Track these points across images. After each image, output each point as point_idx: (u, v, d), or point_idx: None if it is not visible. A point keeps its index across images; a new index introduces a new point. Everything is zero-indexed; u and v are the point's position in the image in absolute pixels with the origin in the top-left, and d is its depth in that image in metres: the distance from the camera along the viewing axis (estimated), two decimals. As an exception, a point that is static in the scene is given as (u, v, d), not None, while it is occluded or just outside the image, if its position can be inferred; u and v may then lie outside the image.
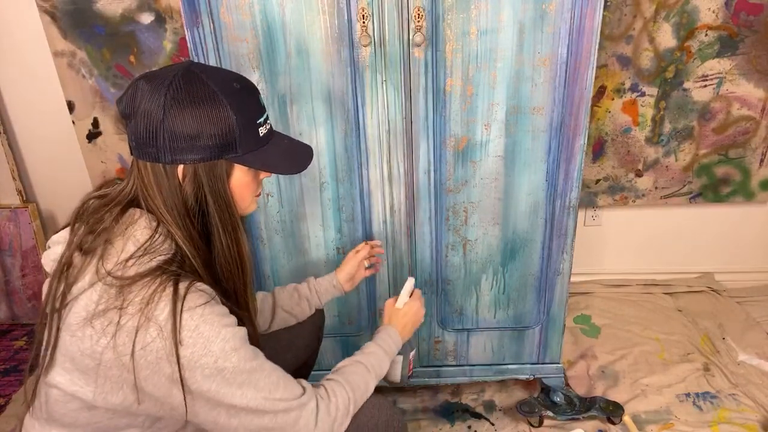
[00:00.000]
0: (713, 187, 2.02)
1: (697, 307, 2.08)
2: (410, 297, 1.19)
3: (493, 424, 1.61)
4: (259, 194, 0.91)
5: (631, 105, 1.90)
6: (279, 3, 1.16)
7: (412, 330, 1.16)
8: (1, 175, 2.05)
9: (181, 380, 0.74)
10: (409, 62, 1.22)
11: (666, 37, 1.80)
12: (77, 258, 0.78)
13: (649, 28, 1.79)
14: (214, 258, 0.84)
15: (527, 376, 1.61)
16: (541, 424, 1.58)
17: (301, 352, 1.23)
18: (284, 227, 1.40)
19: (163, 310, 0.73)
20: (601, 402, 1.58)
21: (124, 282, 0.74)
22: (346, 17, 1.17)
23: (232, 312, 0.81)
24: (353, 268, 1.27)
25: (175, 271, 0.77)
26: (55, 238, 0.86)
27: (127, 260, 0.76)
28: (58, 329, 0.76)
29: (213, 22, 1.18)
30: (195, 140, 0.76)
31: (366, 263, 1.32)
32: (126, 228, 0.79)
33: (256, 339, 0.85)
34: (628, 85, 1.87)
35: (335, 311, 1.51)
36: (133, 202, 0.81)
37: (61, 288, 0.77)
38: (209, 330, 0.75)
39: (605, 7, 1.46)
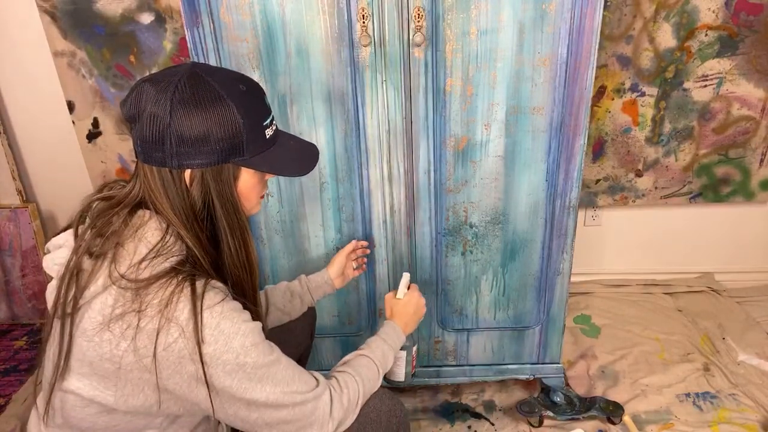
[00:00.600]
0: (713, 187, 2.02)
1: (697, 307, 2.08)
2: (409, 290, 1.20)
3: (493, 424, 1.61)
4: (264, 195, 0.91)
5: (631, 105, 1.90)
6: (279, 3, 1.16)
7: (415, 322, 1.17)
8: (1, 175, 2.05)
9: (205, 377, 0.75)
10: (409, 62, 1.22)
11: (666, 37, 1.80)
12: (87, 262, 0.78)
13: (649, 28, 1.79)
14: (223, 261, 0.84)
15: (527, 376, 1.61)
16: (541, 424, 1.58)
17: (294, 349, 1.24)
18: (284, 227, 1.40)
19: (183, 310, 0.74)
20: (601, 402, 1.58)
21: (140, 284, 0.74)
22: (346, 17, 1.17)
23: (245, 307, 0.82)
24: (341, 263, 1.29)
25: (189, 270, 0.78)
26: (55, 241, 0.85)
27: (140, 262, 0.76)
28: (71, 335, 0.76)
29: (213, 22, 1.18)
30: (202, 144, 0.76)
31: (354, 263, 1.34)
32: (136, 230, 0.78)
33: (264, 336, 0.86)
34: (628, 85, 1.87)
35: (335, 311, 1.51)
36: (141, 204, 0.81)
37: (72, 293, 0.76)
38: (230, 326, 0.76)
39: (605, 7, 1.46)
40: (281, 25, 1.18)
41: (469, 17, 1.18)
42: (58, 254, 0.83)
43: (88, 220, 0.82)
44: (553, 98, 1.25)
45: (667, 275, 2.22)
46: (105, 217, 0.80)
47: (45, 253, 0.86)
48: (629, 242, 2.18)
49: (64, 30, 1.80)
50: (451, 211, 1.38)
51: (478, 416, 1.64)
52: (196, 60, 1.21)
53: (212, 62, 1.22)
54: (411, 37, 1.19)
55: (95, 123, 1.94)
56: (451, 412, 1.65)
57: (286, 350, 0.87)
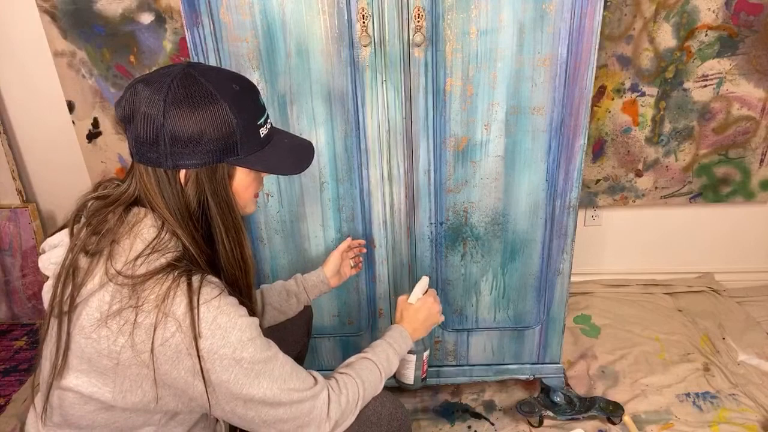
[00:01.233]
0: (713, 187, 2.02)
1: (697, 307, 2.08)
2: (424, 295, 1.17)
3: (493, 424, 1.61)
4: (257, 195, 0.91)
5: (631, 105, 1.90)
6: (279, 3, 1.16)
7: (426, 329, 1.14)
8: (1, 175, 2.05)
9: (202, 372, 0.75)
10: (409, 62, 1.22)
11: (666, 37, 1.80)
12: (83, 260, 0.78)
13: (649, 28, 1.79)
14: (218, 259, 0.84)
15: (527, 376, 1.61)
16: (541, 424, 1.58)
17: (291, 347, 1.24)
18: (284, 227, 1.40)
19: (179, 304, 0.74)
20: (601, 402, 1.58)
21: (136, 280, 0.74)
22: (346, 17, 1.17)
23: (241, 303, 0.82)
24: (335, 262, 1.28)
25: (186, 266, 0.78)
26: (50, 241, 0.85)
27: (135, 259, 0.76)
28: (68, 333, 0.76)
29: (213, 22, 1.18)
30: (196, 144, 0.76)
31: (351, 262, 1.33)
32: (132, 227, 0.78)
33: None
34: (628, 85, 1.87)
35: (335, 311, 1.51)
36: (137, 202, 0.81)
37: (68, 291, 0.76)
38: (226, 321, 0.76)
39: (605, 7, 1.46)
40: (281, 25, 1.18)
41: (469, 17, 1.18)
42: (53, 253, 0.83)
43: (83, 219, 0.83)
44: (553, 98, 1.25)
45: (667, 275, 2.22)
46: (100, 216, 0.80)
47: (40, 253, 0.85)
48: (629, 242, 2.18)
49: (64, 30, 1.80)
50: (451, 211, 1.38)
51: (478, 416, 1.64)
52: (196, 60, 1.21)
53: (212, 62, 1.22)
54: (411, 37, 1.19)
55: (95, 123, 1.94)
56: (451, 412, 1.65)
57: (283, 349, 0.87)
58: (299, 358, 1.31)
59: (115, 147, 1.97)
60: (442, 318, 1.18)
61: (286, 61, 1.22)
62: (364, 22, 1.17)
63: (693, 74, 1.84)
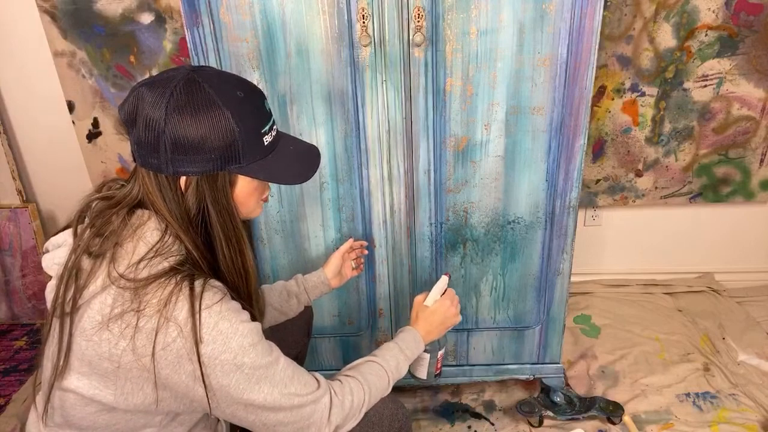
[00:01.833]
0: (713, 187, 2.02)
1: (697, 307, 2.08)
2: (442, 296, 1.14)
3: (493, 424, 1.61)
4: (266, 198, 0.90)
5: (631, 105, 1.90)
6: (279, 3, 1.16)
7: (440, 332, 1.12)
8: (1, 175, 2.05)
9: (203, 377, 0.75)
10: (409, 62, 1.22)
11: (666, 37, 1.80)
12: (86, 261, 0.77)
13: (649, 28, 1.79)
14: (219, 266, 0.83)
15: (527, 376, 1.61)
16: (541, 424, 1.58)
17: (291, 348, 1.23)
18: (284, 227, 1.40)
19: (181, 309, 0.74)
20: (601, 402, 1.58)
21: (138, 284, 0.74)
22: (346, 17, 1.17)
23: (243, 308, 0.82)
24: (336, 263, 1.27)
25: (188, 270, 0.78)
26: (54, 240, 0.85)
27: (138, 262, 0.76)
28: (70, 334, 0.76)
29: (213, 22, 1.18)
30: (197, 151, 0.75)
31: (353, 263, 1.32)
32: (135, 230, 0.78)
33: None
34: (628, 85, 1.87)
35: (335, 311, 1.51)
36: (140, 204, 0.81)
37: (71, 292, 0.76)
38: (228, 326, 0.76)
39: (605, 7, 1.46)
40: (281, 25, 1.18)
41: (469, 17, 1.18)
42: (57, 253, 0.83)
43: (87, 220, 0.82)
44: (553, 98, 1.25)
45: (667, 275, 2.22)
46: (104, 217, 0.80)
47: (44, 253, 0.85)
48: (629, 242, 2.18)
49: (64, 30, 1.80)
50: (451, 211, 1.38)
51: (478, 416, 1.64)
52: (196, 60, 1.21)
53: (212, 62, 1.22)
54: (411, 37, 1.19)
55: (95, 123, 1.94)
56: (451, 412, 1.65)
57: (283, 349, 0.86)
58: (299, 359, 1.31)
59: (115, 147, 1.97)
60: (459, 319, 1.15)
61: (286, 61, 1.22)
62: (364, 22, 1.17)
63: (693, 74, 1.84)
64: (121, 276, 0.75)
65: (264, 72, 1.23)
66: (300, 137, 1.29)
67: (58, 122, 1.96)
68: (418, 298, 1.15)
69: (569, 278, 1.46)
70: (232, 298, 0.81)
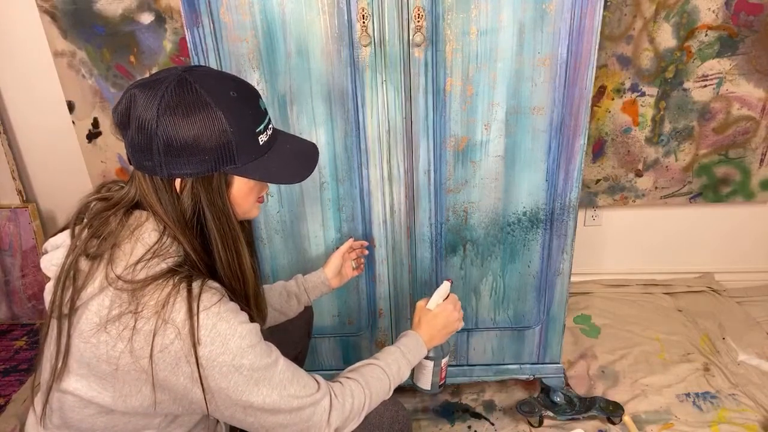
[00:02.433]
0: (713, 187, 2.02)
1: (697, 307, 2.08)
2: (444, 301, 1.13)
3: (493, 424, 1.61)
4: (262, 200, 0.89)
5: (631, 105, 1.90)
6: (279, 3, 1.16)
7: (443, 336, 1.11)
8: (1, 175, 2.05)
9: (200, 379, 0.75)
10: (409, 62, 1.22)
11: (666, 37, 1.80)
12: (83, 263, 0.77)
13: (649, 28, 1.79)
14: (216, 268, 0.83)
15: (527, 376, 1.61)
16: (541, 424, 1.58)
17: (291, 348, 1.23)
18: (284, 227, 1.40)
19: (179, 311, 0.73)
20: (601, 402, 1.58)
21: (136, 286, 0.74)
22: (346, 17, 1.17)
23: (242, 309, 0.81)
24: (336, 263, 1.27)
25: (186, 271, 0.77)
26: (53, 241, 0.84)
27: (136, 263, 0.75)
28: (68, 336, 0.76)
29: (213, 22, 1.18)
30: (190, 153, 0.74)
31: (353, 264, 1.32)
32: (133, 231, 0.78)
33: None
34: (628, 85, 1.87)
35: (335, 311, 1.51)
36: (138, 206, 0.81)
37: (69, 294, 0.76)
38: (226, 328, 0.75)
39: (605, 7, 1.46)
40: (281, 25, 1.18)
41: (469, 17, 1.18)
42: (55, 254, 0.82)
43: (85, 221, 0.82)
44: (553, 98, 1.25)
45: (667, 275, 2.22)
46: (102, 218, 0.80)
47: (42, 253, 0.85)
48: (629, 242, 2.18)
49: (64, 30, 1.80)
50: (451, 211, 1.38)
51: (478, 416, 1.64)
52: (196, 60, 1.21)
53: (212, 62, 1.22)
54: (411, 37, 1.19)
55: (95, 123, 1.94)
56: (451, 412, 1.65)
57: (283, 350, 0.86)
58: (299, 359, 1.31)
59: (115, 147, 1.97)
60: (462, 325, 1.14)
61: (286, 61, 1.22)
62: (364, 22, 1.17)
63: (693, 74, 1.84)
64: (119, 277, 0.74)
65: (264, 72, 1.23)
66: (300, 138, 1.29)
67: (58, 122, 1.96)
68: (421, 303, 1.14)
69: (569, 278, 1.46)
70: (231, 299, 0.80)
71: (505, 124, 1.28)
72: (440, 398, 1.70)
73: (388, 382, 0.98)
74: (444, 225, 1.40)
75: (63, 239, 0.83)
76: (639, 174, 2.01)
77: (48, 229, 2.15)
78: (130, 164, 0.79)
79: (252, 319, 0.82)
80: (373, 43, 1.19)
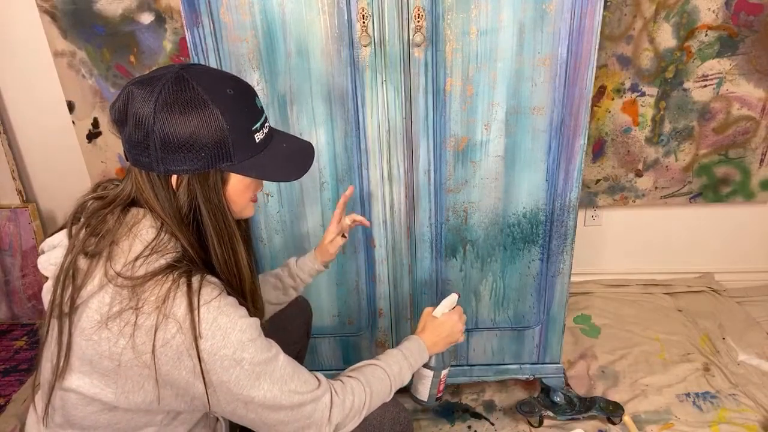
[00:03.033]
0: (713, 187, 2.02)
1: (697, 307, 2.08)
2: (450, 311, 1.14)
3: (493, 424, 1.61)
4: (256, 199, 0.90)
5: (631, 105, 1.90)
6: (279, 3, 1.16)
7: (445, 345, 1.11)
8: (1, 175, 2.05)
9: (202, 373, 0.75)
10: (409, 62, 1.22)
11: (666, 37, 1.80)
12: (82, 261, 0.77)
13: (649, 28, 1.79)
14: (214, 265, 0.83)
15: (527, 376, 1.61)
16: (541, 424, 1.58)
17: (290, 347, 1.22)
18: (284, 227, 1.40)
19: (180, 306, 0.74)
20: (601, 402, 1.58)
21: (136, 282, 0.74)
22: (346, 17, 1.17)
23: (241, 303, 0.82)
24: (331, 233, 1.20)
25: (186, 266, 0.78)
26: (49, 241, 0.84)
27: (135, 260, 0.76)
28: (70, 334, 0.76)
29: (213, 22, 1.18)
30: (187, 150, 0.75)
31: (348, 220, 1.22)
32: (131, 228, 0.78)
33: None
34: (628, 85, 1.87)
35: (335, 311, 1.51)
36: (135, 203, 0.81)
37: (68, 292, 0.76)
38: (226, 321, 0.76)
39: (605, 7, 1.46)
40: (281, 25, 1.18)
41: (469, 17, 1.18)
42: (53, 254, 0.82)
43: (82, 220, 0.82)
44: (553, 98, 1.25)
45: (667, 275, 2.22)
46: (99, 216, 0.80)
47: (40, 254, 0.85)
48: (629, 242, 2.18)
49: (64, 30, 1.80)
50: (451, 211, 1.38)
51: (478, 416, 1.64)
52: (196, 60, 1.21)
53: (212, 62, 1.22)
54: (411, 37, 1.19)
55: (95, 123, 1.94)
56: (451, 412, 1.65)
57: (283, 349, 0.86)
58: (299, 358, 1.31)
59: (115, 147, 1.97)
60: (463, 338, 1.15)
61: (286, 61, 1.22)
62: (364, 22, 1.17)
63: (693, 74, 1.84)
64: (119, 274, 0.75)
65: (264, 72, 1.23)
66: (300, 137, 1.29)
67: (58, 122, 1.96)
68: (428, 309, 1.15)
69: (569, 278, 1.46)
70: (229, 294, 0.81)
71: (505, 124, 1.28)
72: (443, 395, 1.70)
73: (389, 383, 0.98)
74: (444, 225, 1.40)
75: (60, 239, 0.83)
76: (639, 174, 2.01)
77: (48, 229, 2.15)
78: (127, 160, 0.80)
79: (250, 314, 0.82)
80: (373, 43, 1.19)
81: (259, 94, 1.23)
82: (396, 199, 1.36)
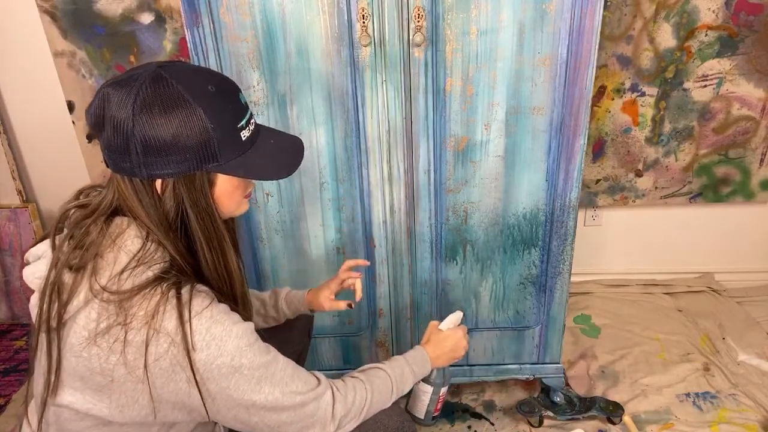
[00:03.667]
0: (713, 187, 2.02)
1: (697, 307, 2.08)
2: (455, 327, 1.16)
3: (493, 424, 1.61)
4: (249, 194, 0.86)
5: (631, 105, 1.90)
6: (279, 3, 1.16)
7: (447, 359, 1.11)
8: (1, 175, 2.05)
9: (197, 384, 0.74)
10: (409, 62, 1.22)
11: (666, 37, 1.80)
12: (67, 275, 0.74)
13: (649, 28, 1.79)
14: (202, 271, 0.81)
15: (527, 376, 1.61)
16: (541, 424, 1.58)
17: (292, 349, 1.22)
18: (284, 227, 1.40)
19: (170, 319, 0.72)
20: (601, 402, 1.58)
21: (123, 296, 0.72)
22: (346, 17, 1.17)
23: (232, 309, 0.80)
24: (328, 285, 1.20)
25: (174, 277, 0.75)
26: (34, 251, 0.82)
27: (121, 273, 0.73)
28: (59, 350, 0.74)
29: (213, 22, 1.18)
30: (170, 152, 0.72)
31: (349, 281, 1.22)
32: (115, 239, 0.75)
33: None
34: (628, 85, 1.87)
35: (335, 311, 1.51)
36: (118, 211, 0.78)
37: (55, 307, 0.73)
38: (221, 330, 0.74)
39: (605, 7, 1.46)
40: (281, 25, 1.18)
41: (469, 17, 1.18)
42: (37, 266, 0.80)
43: (65, 231, 0.79)
44: (553, 98, 1.25)
45: (667, 275, 2.22)
46: (82, 228, 0.77)
47: (24, 263, 0.82)
48: (629, 242, 2.18)
49: (64, 30, 1.80)
50: (451, 211, 1.38)
51: (478, 416, 1.64)
52: (196, 60, 1.21)
53: (212, 62, 1.22)
54: (411, 37, 1.19)
55: (95, 123, 1.94)
56: (451, 412, 1.65)
57: (283, 350, 0.85)
58: (300, 360, 1.30)
59: (115, 147, 1.97)
60: (463, 354, 1.15)
61: (286, 61, 1.22)
62: (364, 22, 1.17)
63: (693, 74, 1.84)
64: (104, 289, 0.72)
65: (264, 72, 1.23)
66: (300, 137, 1.28)
67: (58, 122, 1.96)
68: (434, 323, 1.16)
69: (569, 278, 1.46)
70: (220, 301, 0.79)
71: (505, 124, 1.28)
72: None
73: (390, 384, 0.98)
74: (444, 225, 1.40)
75: (44, 249, 0.81)
76: (639, 174, 2.01)
77: (48, 230, 2.14)
78: (107, 167, 0.76)
79: (245, 318, 0.81)
80: (373, 43, 1.19)
81: (259, 94, 1.23)
82: (396, 199, 1.36)
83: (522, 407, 1.57)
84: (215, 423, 0.94)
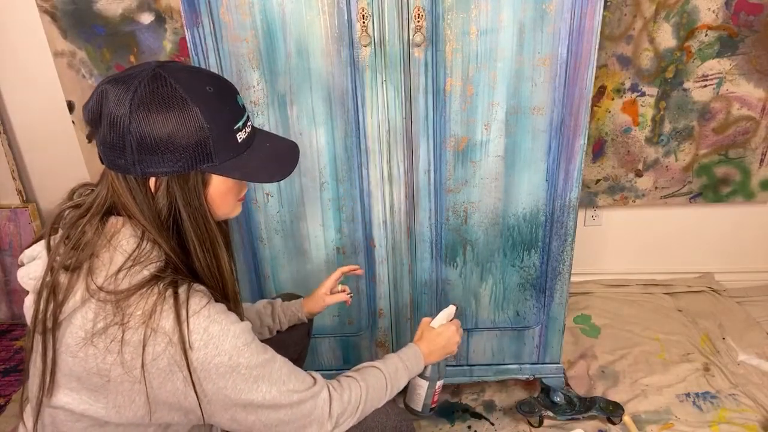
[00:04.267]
0: (713, 187, 2.02)
1: (697, 307, 2.08)
2: (448, 322, 1.16)
3: (493, 424, 1.61)
4: (243, 197, 0.86)
5: (631, 105, 1.90)
6: (279, 3, 1.16)
7: (441, 355, 1.12)
8: (1, 175, 2.05)
9: (194, 384, 0.74)
10: (409, 62, 1.22)
11: (666, 37, 1.80)
12: (62, 276, 0.74)
13: (649, 28, 1.79)
14: (197, 270, 0.81)
15: (527, 376, 1.61)
16: (541, 424, 1.58)
17: (292, 349, 1.23)
18: (284, 227, 1.40)
19: (167, 319, 0.72)
20: (601, 402, 1.58)
21: (120, 296, 0.72)
22: (346, 17, 1.17)
23: (229, 309, 0.80)
24: (325, 286, 1.25)
25: (171, 276, 0.75)
26: (28, 252, 0.81)
27: (117, 272, 0.73)
28: (54, 351, 0.74)
29: (213, 22, 1.18)
30: (165, 151, 0.72)
31: (339, 286, 1.28)
32: (110, 238, 0.75)
33: None
34: (628, 85, 1.87)
35: (335, 311, 1.51)
36: (112, 210, 0.78)
37: (51, 308, 0.73)
38: (218, 329, 0.74)
39: (605, 7, 1.46)
40: (281, 25, 1.18)
41: (469, 17, 1.18)
42: (32, 267, 0.80)
43: (60, 232, 0.79)
44: (553, 98, 1.25)
45: (667, 275, 2.22)
46: (77, 228, 0.77)
47: (19, 265, 0.82)
48: (629, 242, 2.18)
49: (64, 30, 1.80)
50: (451, 211, 1.38)
51: (478, 416, 1.64)
52: (196, 60, 1.21)
53: (212, 62, 1.22)
54: (411, 37, 1.19)
55: (95, 123, 1.94)
56: (451, 412, 1.65)
57: (283, 351, 0.86)
58: (300, 360, 1.31)
59: (115, 147, 1.97)
60: (456, 350, 1.15)
61: (286, 61, 1.22)
62: (364, 22, 1.17)
63: (693, 74, 1.84)
64: (100, 288, 0.72)
65: (264, 72, 1.23)
66: (300, 137, 1.29)
67: (58, 122, 1.96)
68: (426, 319, 1.16)
69: (569, 278, 1.46)
70: (217, 301, 0.79)
71: (505, 124, 1.28)
72: (440, 398, 1.70)
73: (384, 381, 0.98)
74: (444, 225, 1.40)
75: (38, 250, 0.80)
76: (639, 174, 2.01)
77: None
78: (102, 163, 0.76)
79: (242, 318, 0.81)
80: (373, 43, 1.19)
81: (259, 94, 1.23)
82: (396, 199, 1.36)
83: (522, 407, 1.57)
84: (211, 426, 0.94)
